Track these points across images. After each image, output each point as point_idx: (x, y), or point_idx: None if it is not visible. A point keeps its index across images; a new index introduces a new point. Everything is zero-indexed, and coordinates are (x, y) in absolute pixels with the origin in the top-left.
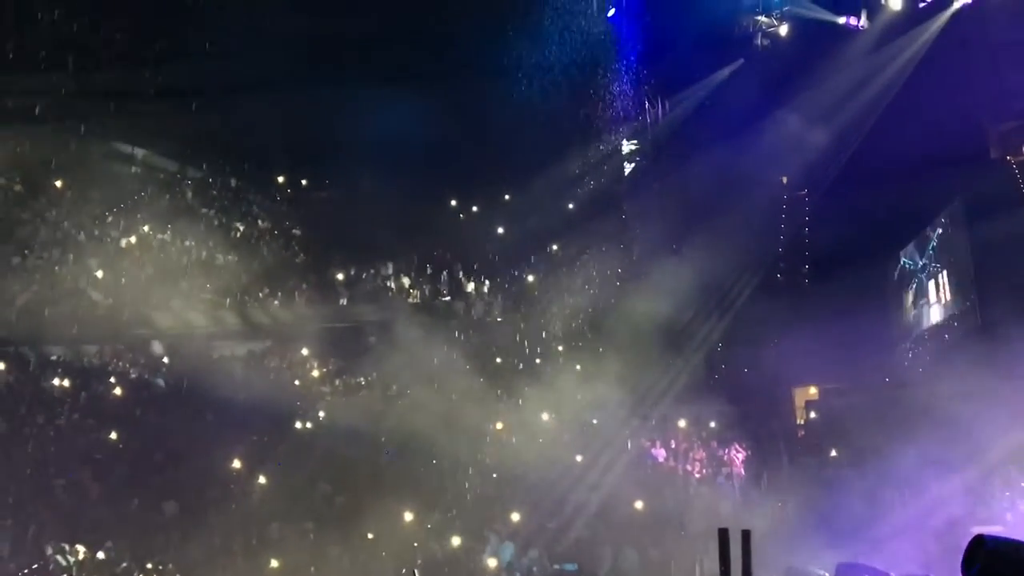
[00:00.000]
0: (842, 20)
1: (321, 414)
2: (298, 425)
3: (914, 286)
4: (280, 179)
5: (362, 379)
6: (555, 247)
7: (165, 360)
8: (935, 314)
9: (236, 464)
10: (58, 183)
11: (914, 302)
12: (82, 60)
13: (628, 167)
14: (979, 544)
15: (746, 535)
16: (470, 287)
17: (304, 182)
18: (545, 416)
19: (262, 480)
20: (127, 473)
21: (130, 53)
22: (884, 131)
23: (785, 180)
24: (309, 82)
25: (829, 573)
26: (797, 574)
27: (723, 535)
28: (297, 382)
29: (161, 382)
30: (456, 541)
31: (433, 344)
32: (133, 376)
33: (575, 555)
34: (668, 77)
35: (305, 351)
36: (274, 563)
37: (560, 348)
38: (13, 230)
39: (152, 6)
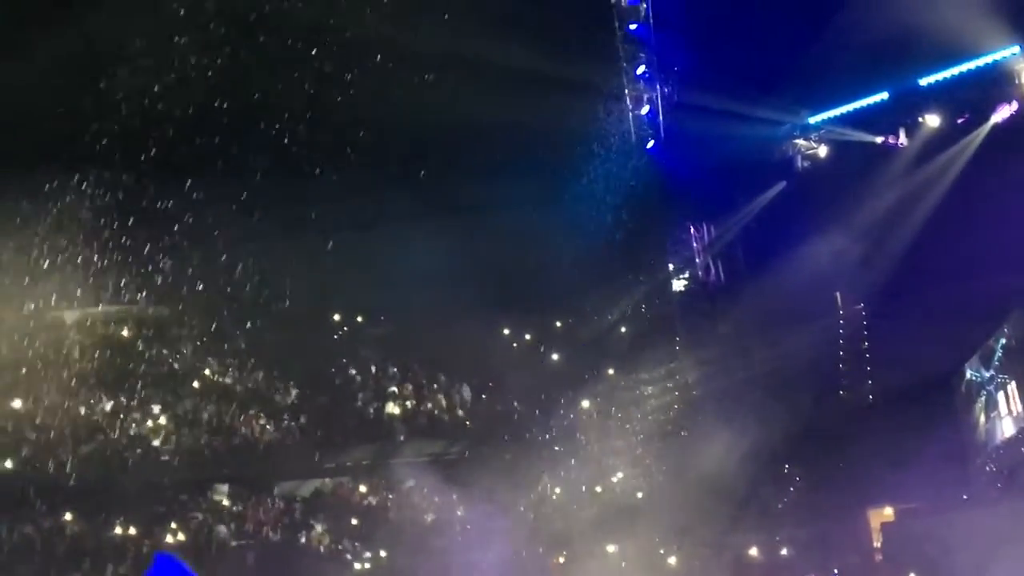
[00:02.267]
0: (880, 140)
1: None
2: None
3: (983, 399)
4: (336, 316)
5: None
6: (610, 371)
7: None
8: (1008, 426)
9: None
10: None
11: (985, 415)
12: None
13: (678, 293)
14: None
15: None
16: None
17: (360, 319)
18: (611, 548)
19: None
20: None
21: None
22: (935, 245)
23: (839, 297)
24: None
25: None
26: None
27: None
28: None
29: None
30: None
31: None
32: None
33: None
34: (711, 204)
35: None
36: None
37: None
38: None
39: None
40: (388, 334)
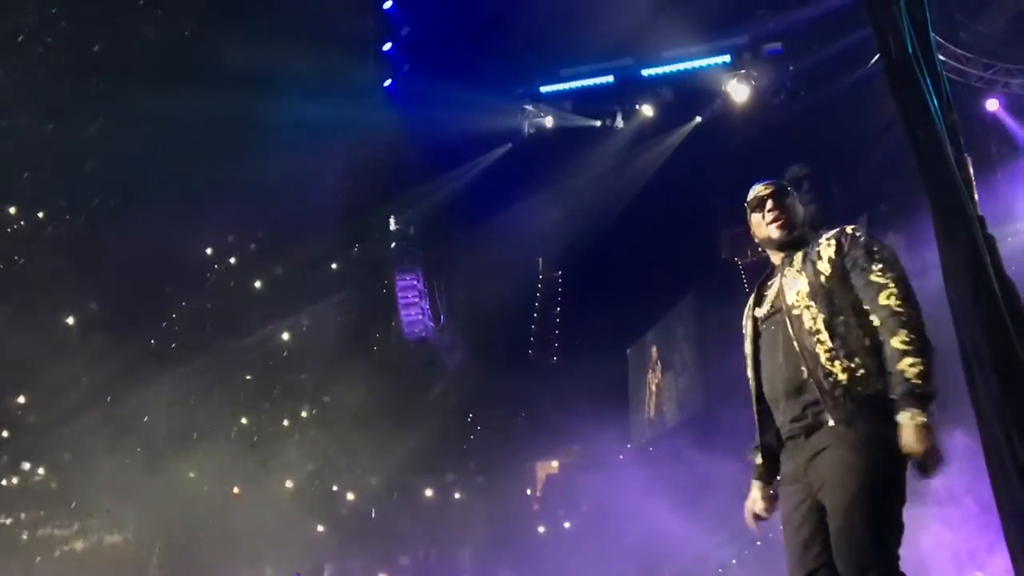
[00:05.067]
0: (598, 123)
1: None
2: None
3: (651, 373)
4: None
5: None
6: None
7: None
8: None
9: None
10: None
11: (650, 390)
12: None
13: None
14: None
15: None
16: None
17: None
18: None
19: None
20: None
21: None
22: (632, 226)
23: (541, 262)
24: None
25: None
26: None
27: None
28: None
29: None
30: None
31: None
32: None
33: None
34: (438, 152)
35: None
36: None
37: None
38: None
39: None
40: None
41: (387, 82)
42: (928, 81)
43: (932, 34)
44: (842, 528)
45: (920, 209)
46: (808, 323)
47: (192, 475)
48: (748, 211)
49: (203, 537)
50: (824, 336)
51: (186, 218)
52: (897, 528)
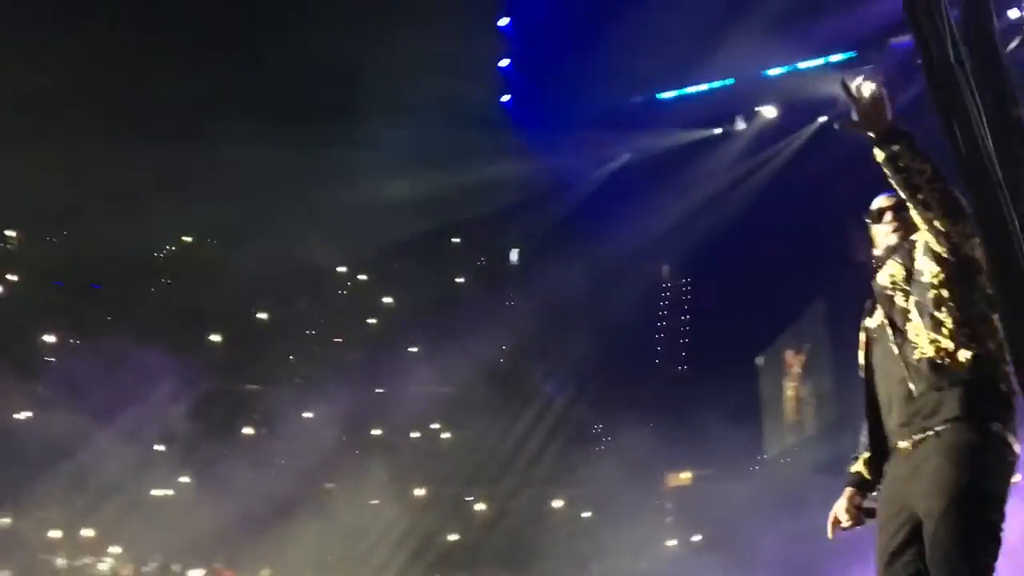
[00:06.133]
0: (719, 130)
1: None
2: None
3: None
4: None
5: None
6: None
7: None
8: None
9: None
10: None
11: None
12: None
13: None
14: None
15: None
16: None
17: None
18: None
19: None
20: None
21: None
22: (759, 230)
23: (666, 270)
24: None
25: None
26: None
27: None
28: None
29: None
30: None
31: None
32: None
33: None
34: (555, 168)
35: None
36: None
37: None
38: None
39: None
40: None
41: (505, 98)
42: (973, 83)
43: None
44: (934, 539)
45: None
46: (900, 303)
47: None
48: (869, 223)
49: None
50: (914, 314)
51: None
52: (992, 542)
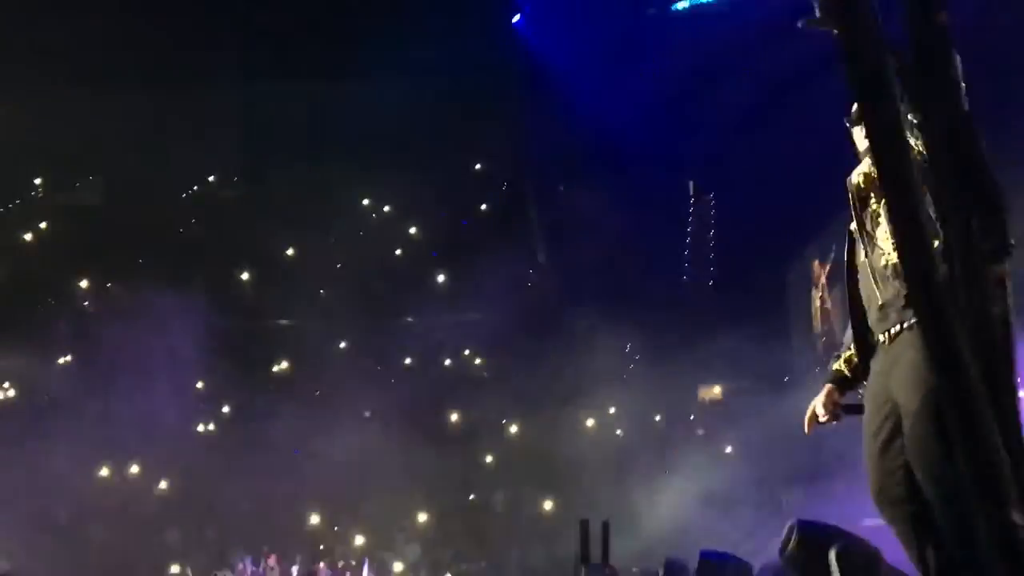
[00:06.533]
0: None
1: None
2: None
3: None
4: None
5: None
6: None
7: None
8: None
9: None
10: None
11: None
12: None
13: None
14: (791, 530)
15: (605, 525)
16: None
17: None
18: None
19: None
20: None
21: None
22: (785, 140)
23: (692, 186)
24: None
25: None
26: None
27: (584, 525)
28: None
29: None
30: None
31: None
32: None
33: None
34: (583, 91)
35: None
36: None
37: None
38: None
39: None
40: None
41: (516, 18)
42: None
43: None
44: (912, 434)
45: None
46: (872, 205)
47: None
48: (848, 126)
49: None
50: (883, 217)
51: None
52: None
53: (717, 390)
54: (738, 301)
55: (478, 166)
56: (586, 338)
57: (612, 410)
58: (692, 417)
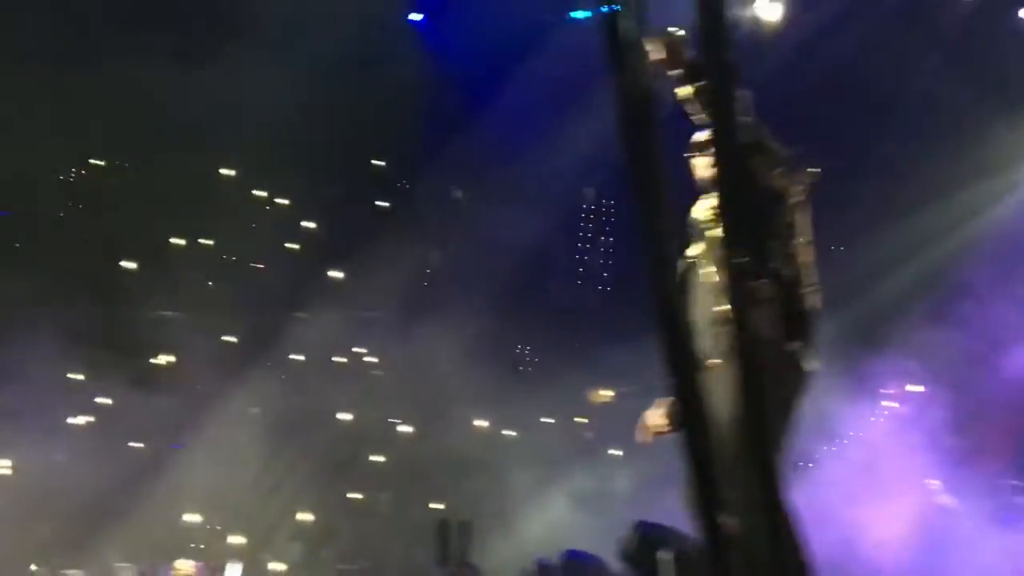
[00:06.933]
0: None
1: None
2: None
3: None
4: None
5: None
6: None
7: None
8: None
9: None
10: None
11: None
12: None
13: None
14: (632, 530)
15: (463, 526)
16: None
17: None
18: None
19: None
20: None
21: None
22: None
23: (590, 192)
24: None
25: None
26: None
27: (442, 526)
28: None
29: None
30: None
31: None
32: None
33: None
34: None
35: None
36: None
37: None
38: None
39: None
40: None
41: (416, 16)
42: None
43: None
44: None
45: None
46: (713, 233)
47: None
48: (689, 157)
49: None
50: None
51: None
52: (781, 453)
53: (606, 393)
54: (631, 307)
55: (375, 162)
56: (478, 339)
57: (502, 412)
58: (582, 420)
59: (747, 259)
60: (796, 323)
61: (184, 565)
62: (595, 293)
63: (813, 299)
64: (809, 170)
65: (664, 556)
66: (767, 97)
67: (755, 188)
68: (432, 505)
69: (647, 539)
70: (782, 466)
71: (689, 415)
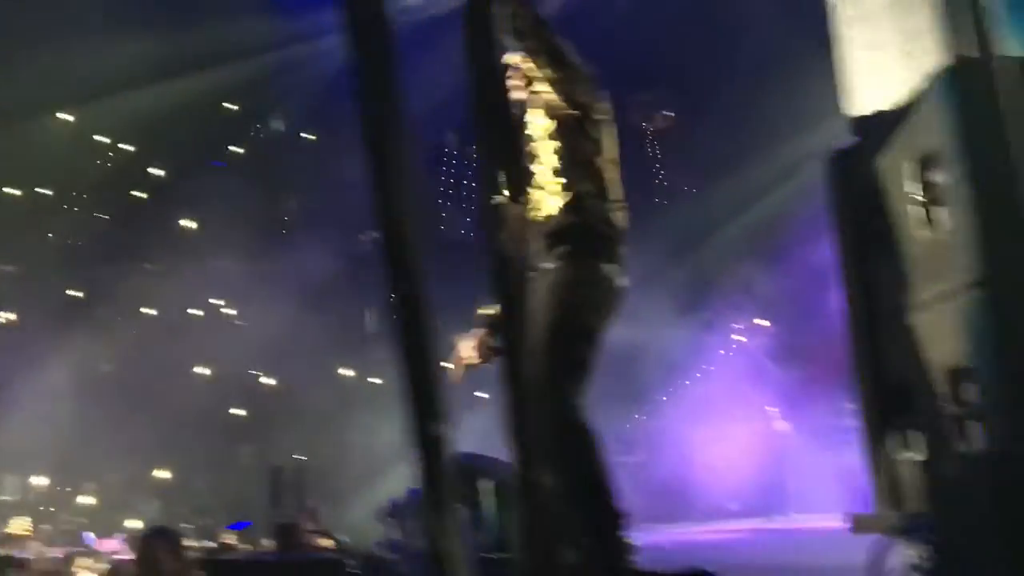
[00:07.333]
0: None
1: None
2: None
3: None
4: None
5: None
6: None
7: None
8: None
9: None
10: None
11: None
12: None
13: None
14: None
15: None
16: None
17: None
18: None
19: None
20: None
21: None
22: None
23: (451, 137)
24: None
25: None
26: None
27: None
28: None
29: None
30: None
31: None
32: None
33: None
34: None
35: None
36: None
37: None
38: None
39: None
40: None
41: None
42: None
43: None
44: (531, 371)
45: None
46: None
47: None
48: None
49: None
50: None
51: None
52: (580, 370)
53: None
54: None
55: (228, 106)
56: (333, 288)
57: (363, 362)
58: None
59: (502, 179)
60: (601, 239)
61: (20, 522)
62: (457, 237)
63: (619, 216)
64: (664, 114)
65: (485, 485)
66: (617, 42)
67: (508, 107)
68: (296, 456)
69: (469, 469)
70: (577, 386)
71: (509, 338)
